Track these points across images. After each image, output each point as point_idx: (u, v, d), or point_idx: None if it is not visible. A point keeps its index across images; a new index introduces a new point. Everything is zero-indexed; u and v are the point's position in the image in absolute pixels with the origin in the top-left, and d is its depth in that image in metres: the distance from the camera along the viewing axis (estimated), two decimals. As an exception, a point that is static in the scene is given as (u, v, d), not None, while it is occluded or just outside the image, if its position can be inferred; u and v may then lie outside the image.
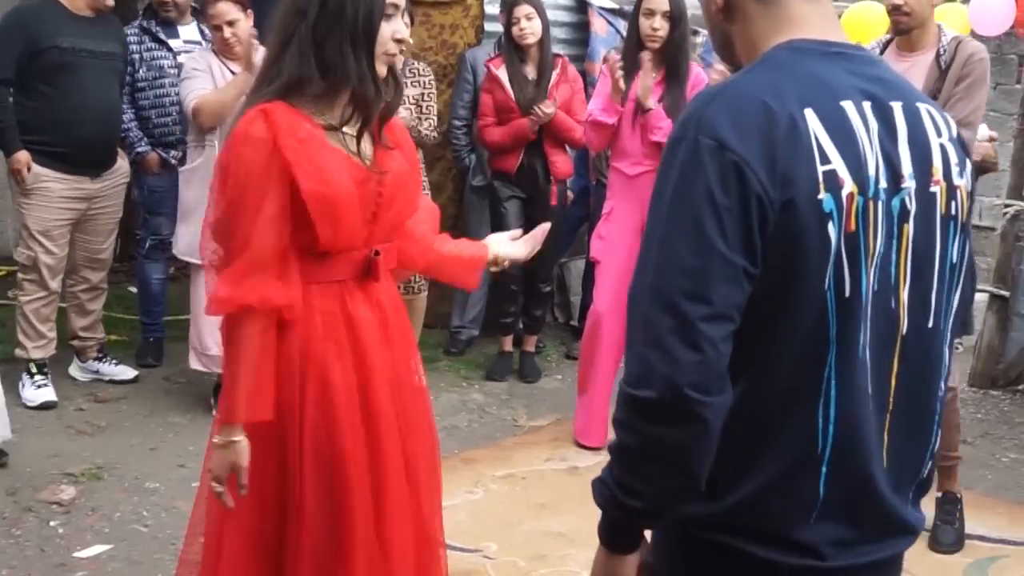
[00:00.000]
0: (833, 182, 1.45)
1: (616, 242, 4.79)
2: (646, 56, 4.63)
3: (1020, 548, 4.12)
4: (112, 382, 5.38)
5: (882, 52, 4.09)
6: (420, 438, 2.56)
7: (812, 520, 1.53)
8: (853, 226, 1.47)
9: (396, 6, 2.35)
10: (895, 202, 1.52)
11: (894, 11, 3.97)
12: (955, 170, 1.59)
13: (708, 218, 1.42)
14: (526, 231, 5.55)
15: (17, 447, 4.45)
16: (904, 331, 1.56)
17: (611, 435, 1.54)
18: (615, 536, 1.61)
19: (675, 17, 4.67)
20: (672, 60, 4.70)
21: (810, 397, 1.50)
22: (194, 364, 5.01)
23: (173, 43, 5.47)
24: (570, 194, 6.06)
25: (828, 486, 1.52)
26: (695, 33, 7.06)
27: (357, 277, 2.43)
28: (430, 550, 2.58)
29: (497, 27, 6.05)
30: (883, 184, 1.50)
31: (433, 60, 6.19)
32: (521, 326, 6.05)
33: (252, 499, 2.38)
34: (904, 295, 1.54)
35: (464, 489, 4.44)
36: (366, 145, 2.41)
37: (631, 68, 4.74)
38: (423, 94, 5.42)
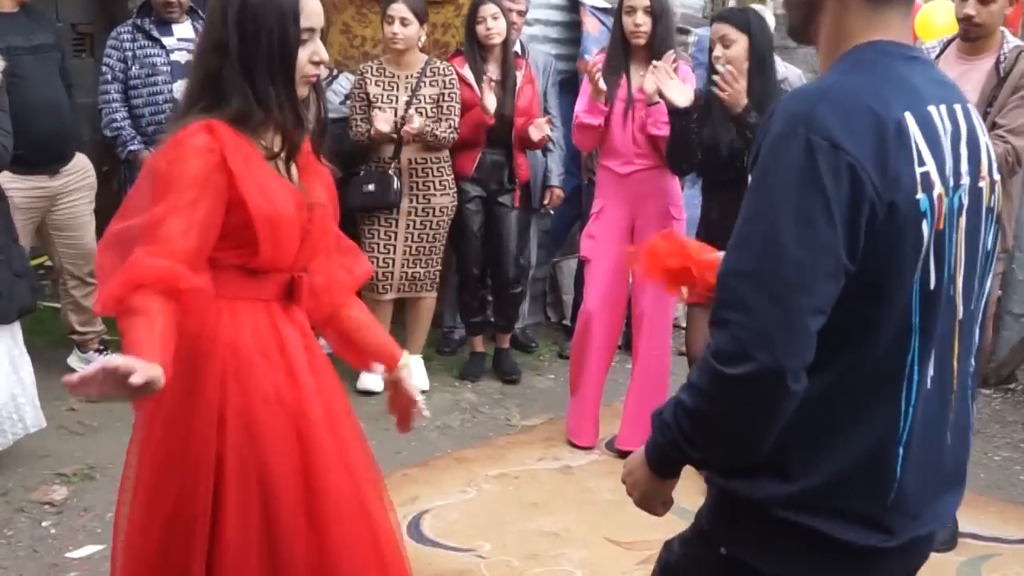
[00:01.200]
0: (928, 183, 1.57)
1: (606, 241, 4.79)
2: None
3: (1012, 546, 4.13)
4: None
5: (942, 51, 4.13)
6: (358, 459, 2.54)
7: (889, 500, 1.64)
8: (942, 224, 1.59)
9: (312, 30, 2.33)
10: (955, 198, 1.63)
11: (965, 20, 4.01)
12: (994, 166, 1.73)
13: (820, 214, 1.49)
14: (487, 231, 5.63)
15: (8, 447, 4.43)
16: (960, 316, 1.69)
17: (678, 395, 1.63)
18: (663, 465, 1.73)
19: (657, 12, 4.64)
20: (659, 56, 4.69)
21: (895, 382, 1.61)
22: None
23: (167, 41, 5.44)
24: (560, 193, 6.05)
25: (904, 466, 1.64)
26: (687, 32, 7.09)
27: (281, 298, 2.42)
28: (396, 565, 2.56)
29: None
30: (952, 183, 1.62)
31: (425, 59, 6.18)
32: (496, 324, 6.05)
33: (144, 515, 2.37)
34: (959, 282, 1.66)
35: (457, 488, 4.45)
36: (293, 172, 2.41)
37: (617, 67, 4.74)
38: (443, 94, 5.40)
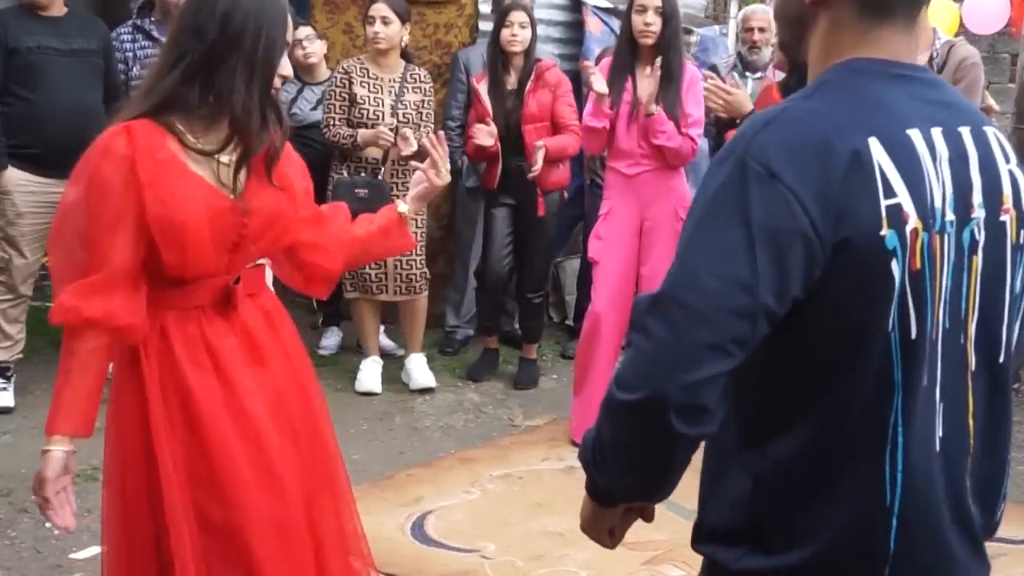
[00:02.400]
0: (897, 217, 1.37)
1: (614, 242, 4.79)
2: (646, 68, 4.63)
3: (1018, 547, 4.12)
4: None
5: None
6: (317, 455, 2.52)
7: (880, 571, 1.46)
8: (918, 264, 1.40)
9: (287, 43, 2.34)
10: (965, 233, 1.45)
11: None
12: (1023, 197, 1.52)
13: (740, 246, 1.34)
14: (515, 239, 5.62)
15: (11, 448, 4.44)
16: (973, 368, 1.49)
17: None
18: (595, 492, 1.58)
19: (667, 13, 4.66)
20: (666, 57, 4.69)
21: (876, 445, 1.43)
22: None
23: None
24: (564, 195, 6.05)
25: (899, 541, 1.45)
26: (689, 32, 7.09)
27: (216, 304, 2.39)
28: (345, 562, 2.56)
29: (491, 27, 6.04)
30: (950, 216, 1.43)
31: (428, 59, 6.20)
32: (520, 333, 6.04)
33: (127, 528, 2.42)
34: (972, 330, 1.48)
35: (461, 489, 4.44)
36: (241, 176, 2.36)
37: (624, 67, 4.73)
38: (423, 101, 5.42)
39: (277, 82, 2.35)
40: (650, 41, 4.67)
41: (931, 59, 3.96)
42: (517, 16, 5.40)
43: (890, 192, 1.38)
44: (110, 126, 2.28)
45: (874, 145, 1.38)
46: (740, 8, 9.99)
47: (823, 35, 1.52)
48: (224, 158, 2.33)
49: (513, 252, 5.75)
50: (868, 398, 1.41)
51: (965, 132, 1.48)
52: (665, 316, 1.36)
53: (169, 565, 2.32)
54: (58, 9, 5.04)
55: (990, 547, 4.19)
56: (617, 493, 1.53)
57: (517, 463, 4.75)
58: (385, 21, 5.28)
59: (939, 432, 1.46)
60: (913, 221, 1.39)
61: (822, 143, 1.37)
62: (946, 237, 1.43)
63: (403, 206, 2.71)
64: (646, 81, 4.66)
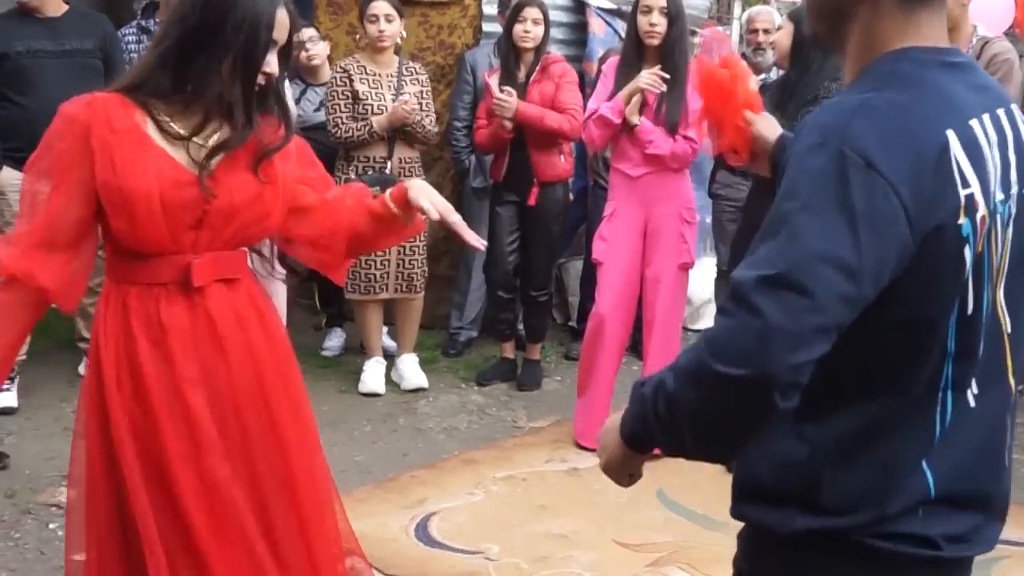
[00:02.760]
0: (971, 206, 1.47)
1: (618, 243, 4.79)
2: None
3: (1022, 549, 4.11)
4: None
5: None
6: (275, 457, 2.46)
7: (921, 514, 1.57)
8: (980, 247, 1.50)
9: (275, 42, 2.32)
10: (1005, 209, 1.54)
11: None
12: None
13: (844, 234, 1.40)
14: (521, 235, 5.61)
15: (15, 449, 4.44)
16: (1009, 330, 1.60)
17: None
18: (634, 438, 1.63)
19: (673, 14, 4.65)
20: (671, 58, 4.68)
21: (929, 414, 1.55)
22: None
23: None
24: (569, 194, 6.05)
25: (937, 486, 1.56)
26: (692, 33, 7.08)
27: (178, 283, 2.37)
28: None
29: (495, 28, 6.05)
30: (999, 196, 1.53)
31: (431, 60, 6.20)
32: (524, 334, 6.05)
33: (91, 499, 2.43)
34: (1000, 296, 1.58)
35: (465, 491, 4.44)
36: (213, 159, 2.35)
37: (631, 67, 4.73)
38: (422, 91, 5.46)
39: (260, 79, 2.34)
40: (655, 42, 4.66)
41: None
42: (531, 12, 5.39)
43: (965, 183, 1.47)
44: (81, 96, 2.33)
45: (951, 138, 1.47)
46: (744, 10, 9.99)
47: (864, 25, 1.57)
48: (199, 139, 2.34)
49: (518, 250, 5.74)
50: (930, 368, 1.52)
51: (1002, 114, 1.57)
52: (778, 298, 1.40)
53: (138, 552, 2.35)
54: (54, 9, 5.01)
55: (998, 550, 4.17)
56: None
57: (521, 465, 4.74)
58: (388, 19, 5.31)
59: (974, 390, 1.58)
60: (982, 209, 1.49)
61: (911, 136, 1.45)
62: (998, 217, 1.53)
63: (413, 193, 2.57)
64: (635, 92, 4.65)
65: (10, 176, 4.88)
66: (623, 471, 1.72)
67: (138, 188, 2.26)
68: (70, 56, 5.02)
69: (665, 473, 4.64)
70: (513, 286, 5.82)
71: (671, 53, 4.67)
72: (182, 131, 2.31)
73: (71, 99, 2.32)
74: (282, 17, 2.32)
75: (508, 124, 5.34)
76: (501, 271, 5.74)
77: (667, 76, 4.61)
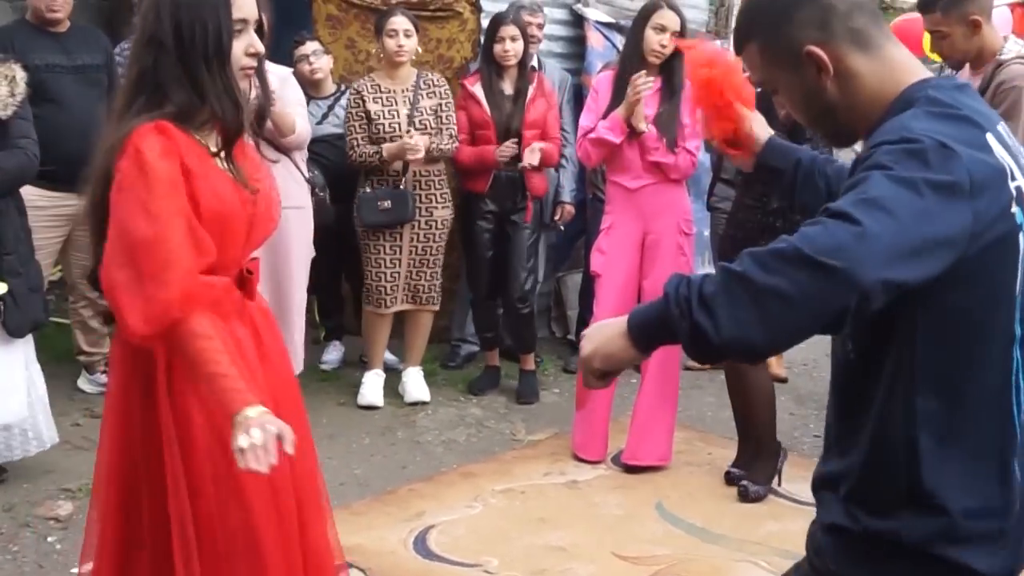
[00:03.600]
0: (1020, 196, 1.60)
1: (617, 256, 4.79)
2: (637, 79, 4.61)
3: None
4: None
5: (960, 67, 4.11)
6: (303, 462, 2.49)
7: (1017, 507, 1.66)
8: None
9: (245, 21, 2.32)
10: None
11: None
12: None
13: (942, 212, 1.50)
14: (497, 249, 5.62)
15: (14, 463, 4.43)
16: None
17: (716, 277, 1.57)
18: (643, 335, 1.64)
19: (682, 36, 4.69)
20: (670, 75, 4.71)
21: (1006, 393, 1.64)
22: None
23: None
24: (571, 210, 6.07)
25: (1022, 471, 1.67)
26: (690, 46, 7.10)
27: (235, 293, 2.40)
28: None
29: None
30: None
31: (430, 74, 6.20)
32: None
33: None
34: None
35: (463, 503, 4.43)
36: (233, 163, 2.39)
37: (626, 82, 4.74)
38: (440, 104, 5.43)
39: (248, 61, 2.34)
40: (659, 61, 4.69)
41: (985, 76, 3.92)
42: (508, 30, 5.43)
43: (1012, 176, 1.59)
44: (121, 136, 2.25)
45: (991, 139, 1.60)
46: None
47: (855, 95, 1.69)
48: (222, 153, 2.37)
49: (495, 262, 5.73)
50: (1003, 355, 1.63)
51: (1001, 128, 1.68)
52: (874, 215, 1.47)
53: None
54: (63, 24, 5.06)
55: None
56: (695, 339, 1.55)
57: (519, 478, 4.74)
58: (407, 34, 5.32)
59: None
60: None
61: (969, 135, 1.58)
62: None
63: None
64: (648, 97, 4.66)
65: (25, 191, 4.87)
66: (611, 368, 1.71)
67: (232, 210, 2.31)
68: (83, 72, 5.06)
69: (664, 486, 4.64)
70: (496, 295, 5.82)
71: (671, 70, 4.69)
72: (212, 147, 2.33)
73: (139, 131, 2.22)
74: None
75: (504, 161, 5.47)
76: (483, 281, 5.75)
77: (651, 80, 4.63)
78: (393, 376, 5.77)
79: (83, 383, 5.47)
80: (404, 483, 4.62)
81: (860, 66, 1.67)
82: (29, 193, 4.84)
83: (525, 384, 5.84)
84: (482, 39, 6.24)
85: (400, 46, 5.30)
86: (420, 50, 5.53)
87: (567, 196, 6.05)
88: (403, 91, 5.42)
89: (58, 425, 4.96)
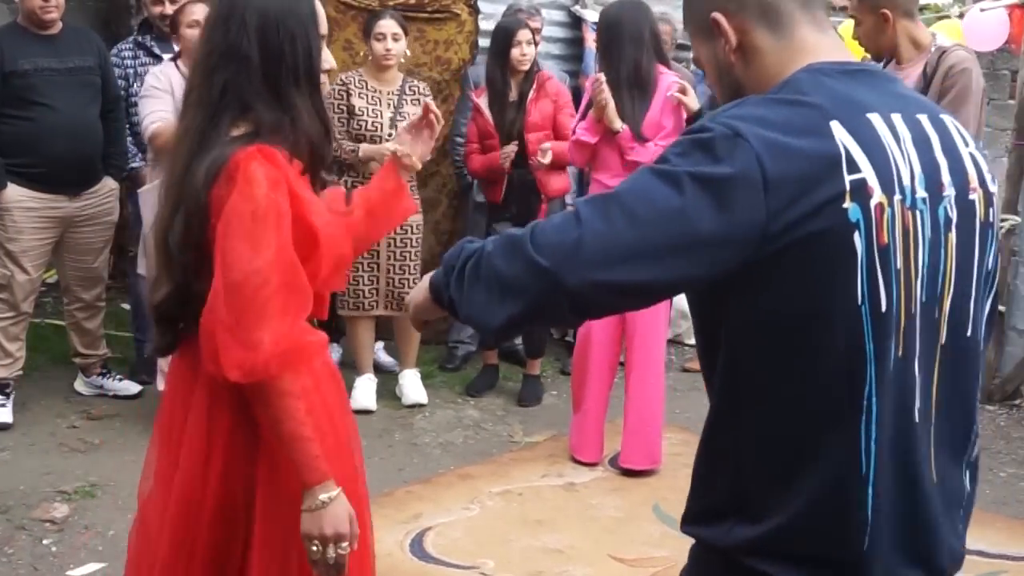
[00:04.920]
0: (862, 192, 1.41)
1: None
2: (602, 78, 4.63)
3: (1019, 563, 4.11)
4: (110, 397, 5.39)
5: (885, 66, 4.10)
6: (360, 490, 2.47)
7: (864, 546, 1.48)
8: (886, 238, 1.43)
9: (324, 37, 2.25)
10: (939, 211, 1.49)
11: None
12: (987, 177, 1.58)
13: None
14: None
15: (9, 465, 4.43)
16: (943, 340, 1.52)
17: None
18: (435, 291, 1.68)
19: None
20: (637, 71, 4.73)
21: (850, 415, 1.45)
22: (161, 385, 4.95)
23: (167, 57, 5.46)
24: (573, 209, 6.06)
25: (875, 509, 1.47)
26: (687, 48, 7.10)
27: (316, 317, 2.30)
28: None
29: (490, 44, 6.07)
30: (921, 193, 1.47)
31: (427, 76, 6.20)
32: (522, 349, 6.05)
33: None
34: (947, 305, 1.51)
35: (460, 505, 4.43)
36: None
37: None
38: None
39: (324, 79, 2.26)
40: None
41: (926, 65, 3.92)
42: (524, 35, 5.47)
43: (854, 168, 1.41)
44: (220, 162, 2.10)
45: (836, 127, 1.43)
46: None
47: (755, 73, 1.58)
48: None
49: None
50: (840, 369, 1.44)
51: (923, 118, 1.53)
52: (602, 215, 1.45)
53: None
54: (56, 26, 5.04)
55: (994, 565, 4.15)
56: (453, 306, 1.61)
57: (517, 480, 4.73)
58: (396, 37, 5.32)
59: (918, 403, 1.50)
60: (878, 196, 1.42)
61: (788, 126, 1.43)
62: (918, 214, 1.47)
63: (392, 147, 2.59)
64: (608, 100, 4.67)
65: (15, 192, 4.88)
66: (416, 313, 1.80)
67: (333, 238, 2.22)
68: (75, 74, 5.04)
69: (661, 488, 4.64)
70: None
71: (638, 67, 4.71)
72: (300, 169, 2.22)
73: (246, 154, 2.08)
74: (322, 11, 2.25)
75: (508, 163, 5.48)
76: None
77: (603, 79, 4.65)
78: (391, 378, 5.76)
79: (79, 385, 5.47)
80: (401, 485, 4.61)
81: (764, 44, 1.55)
82: (19, 194, 4.84)
83: (529, 388, 5.84)
84: (480, 41, 6.26)
85: (388, 49, 5.29)
86: (408, 53, 5.53)
87: (568, 197, 6.05)
88: (388, 94, 5.42)
89: (54, 427, 4.98)
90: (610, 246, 1.42)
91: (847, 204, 1.40)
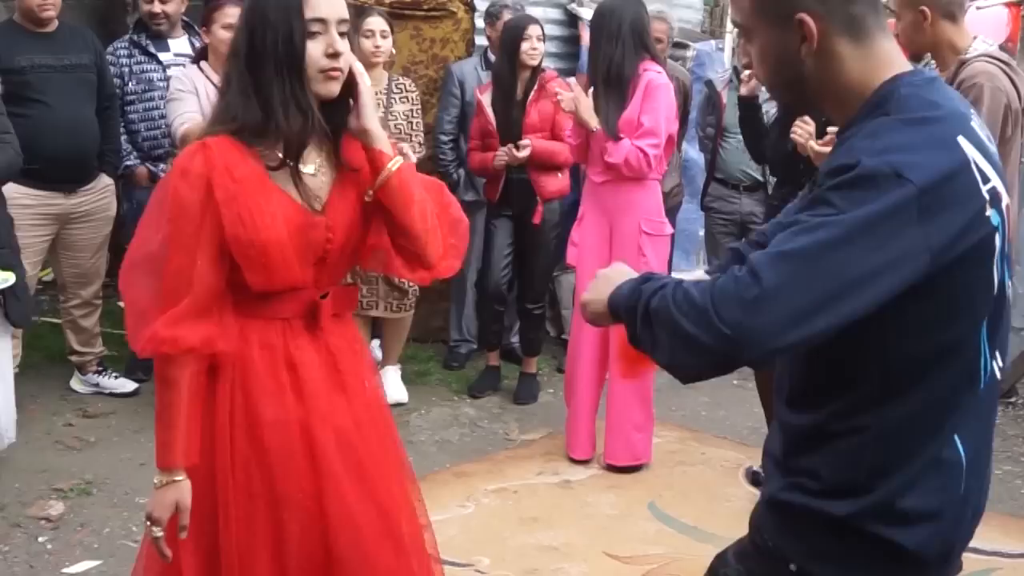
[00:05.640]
0: (996, 198, 1.57)
1: (588, 250, 4.79)
2: (573, 82, 4.67)
3: (1014, 560, 4.11)
4: (106, 395, 5.39)
5: (915, 58, 4.10)
6: (391, 485, 2.47)
7: (961, 490, 1.68)
8: (1010, 233, 1.63)
9: (322, 21, 2.18)
10: (1004, 206, 1.64)
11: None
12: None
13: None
14: (515, 250, 5.63)
15: (5, 462, 4.43)
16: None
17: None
18: (613, 313, 1.74)
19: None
20: (611, 69, 4.74)
21: (971, 385, 1.64)
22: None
23: (163, 56, 5.46)
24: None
25: (970, 472, 1.69)
26: (685, 47, 7.10)
27: (303, 317, 2.33)
28: None
29: (486, 41, 6.06)
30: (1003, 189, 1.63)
31: (424, 74, 6.20)
32: (519, 347, 6.04)
33: (190, 546, 2.29)
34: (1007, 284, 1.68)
35: (456, 503, 4.43)
36: (323, 181, 2.30)
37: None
38: (412, 110, 5.42)
39: (328, 63, 2.18)
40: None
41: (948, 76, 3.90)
42: (535, 30, 5.45)
43: (985, 178, 1.56)
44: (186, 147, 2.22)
45: (963, 143, 1.55)
46: (736, 23, 10.00)
47: (834, 77, 1.64)
48: (307, 168, 2.27)
49: (512, 264, 5.76)
50: (975, 348, 1.62)
51: (976, 121, 1.65)
52: (781, 273, 1.50)
53: None
54: (52, 24, 5.04)
55: (989, 562, 4.15)
56: (640, 346, 1.66)
57: (512, 477, 4.74)
58: (384, 35, 5.30)
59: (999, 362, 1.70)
60: (1005, 198, 1.60)
61: (936, 147, 1.54)
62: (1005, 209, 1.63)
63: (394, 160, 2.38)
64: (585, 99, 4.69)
65: (11, 189, 4.87)
66: (594, 320, 1.83)
67: (269, 238, 2.20)
68: (71, 71, 5.05)
69: (657, 486, 4.64)
70: (504, 299, 5.83)
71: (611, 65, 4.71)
72: (275, 162, 2.23)
73: (184, 151, 2.21)
74: None
75: (501, 164, 5.48)
76: (494, 284, 5.75)
77: (569, 84, 4.69)
78: (385, 376, 5.76)
79: (75, 383, 5.47)
80: (397, 483, 4.61)
81: (845, 51, 1.62)
82: (15, 191, 4.83)
83: (525, 387, 5.84)
84: (476, 39, 6.25)
85: (377, 47, 5.27)
86: (395, 51, 5.52)
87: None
88: (376, 92, 5.41)
89: (51, 425, 4.98)
90: (794, 305, 1.49)
91: (988, 212, 1.56)
